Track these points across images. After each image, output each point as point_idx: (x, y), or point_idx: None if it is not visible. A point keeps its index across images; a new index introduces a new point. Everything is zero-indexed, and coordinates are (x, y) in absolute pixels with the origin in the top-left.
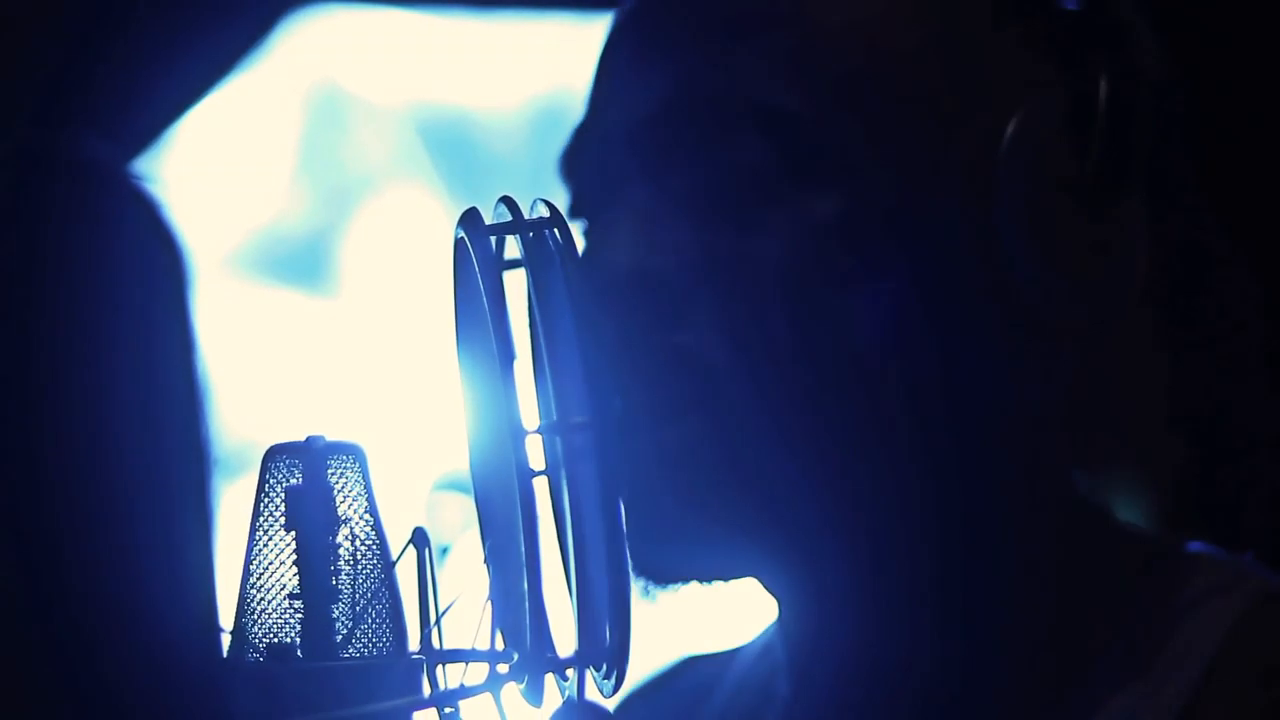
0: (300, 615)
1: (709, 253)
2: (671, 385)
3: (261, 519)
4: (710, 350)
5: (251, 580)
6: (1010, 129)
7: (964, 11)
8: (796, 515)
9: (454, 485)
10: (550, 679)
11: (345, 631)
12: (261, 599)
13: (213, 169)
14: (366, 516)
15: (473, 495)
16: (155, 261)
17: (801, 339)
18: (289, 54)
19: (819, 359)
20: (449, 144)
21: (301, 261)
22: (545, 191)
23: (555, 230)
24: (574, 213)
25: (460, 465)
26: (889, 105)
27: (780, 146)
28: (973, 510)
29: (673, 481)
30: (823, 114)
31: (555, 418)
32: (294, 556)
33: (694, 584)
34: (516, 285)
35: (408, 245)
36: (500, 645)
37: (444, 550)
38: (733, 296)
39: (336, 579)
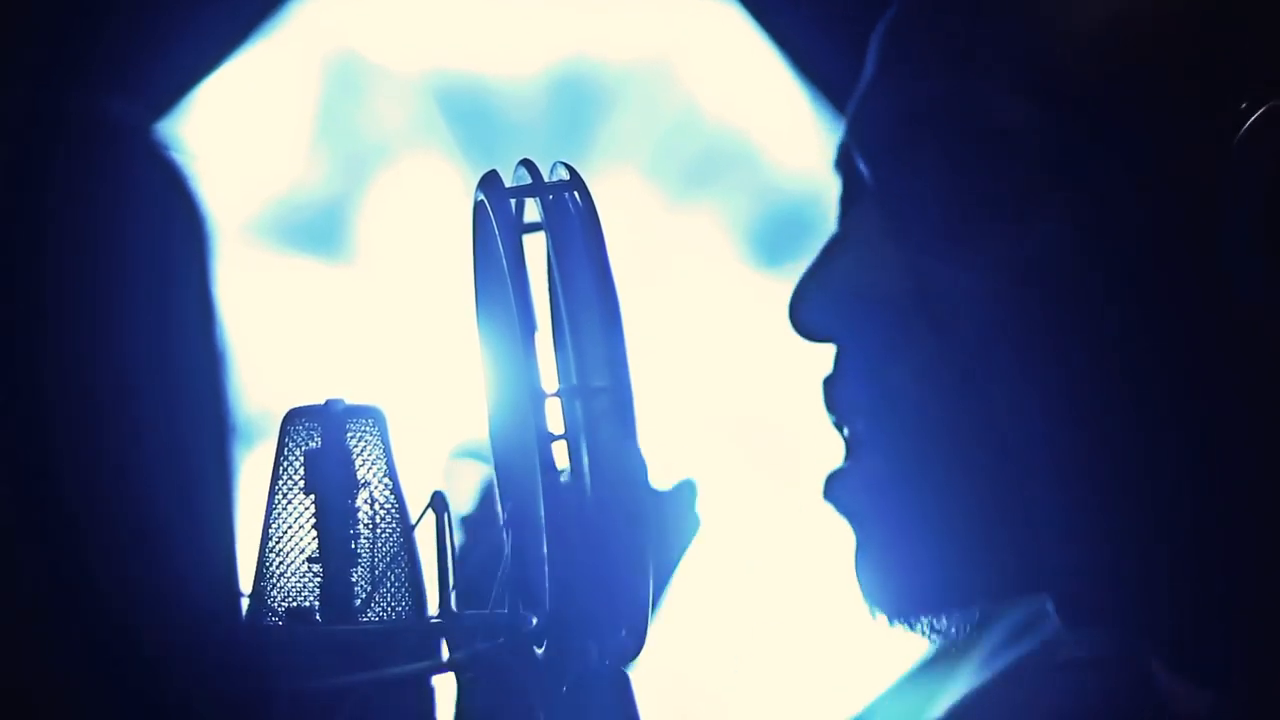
0: (319, 579)
1: (929, 281)
2: (880, 421)
3: (280, 482)
4: (920, 390)
5: (270, 544)
6: (1244, 132)
7: (1198, 16)
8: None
9: (472, 454)
10: None
11: (364, 595)
12: (281, 563)
13: (230, 136)
14: (386, 480)
15: (492, 460)
16: (177, 227)
17: (1021, 384)
18: (307, 21)
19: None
20: (466, 111)
21: (319, 229)
22: (562, 158)
23: (575, 193)
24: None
25: (478, 434)
26: (1123, 117)
27: (1013, 165)
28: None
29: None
30: (1058, 131)
31: (575, 381)
32: (313, 520)
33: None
34: (536, 249)
35: (425, 212)
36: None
37: (462, 519)
38: (950, 330)
39: (355, 542)
